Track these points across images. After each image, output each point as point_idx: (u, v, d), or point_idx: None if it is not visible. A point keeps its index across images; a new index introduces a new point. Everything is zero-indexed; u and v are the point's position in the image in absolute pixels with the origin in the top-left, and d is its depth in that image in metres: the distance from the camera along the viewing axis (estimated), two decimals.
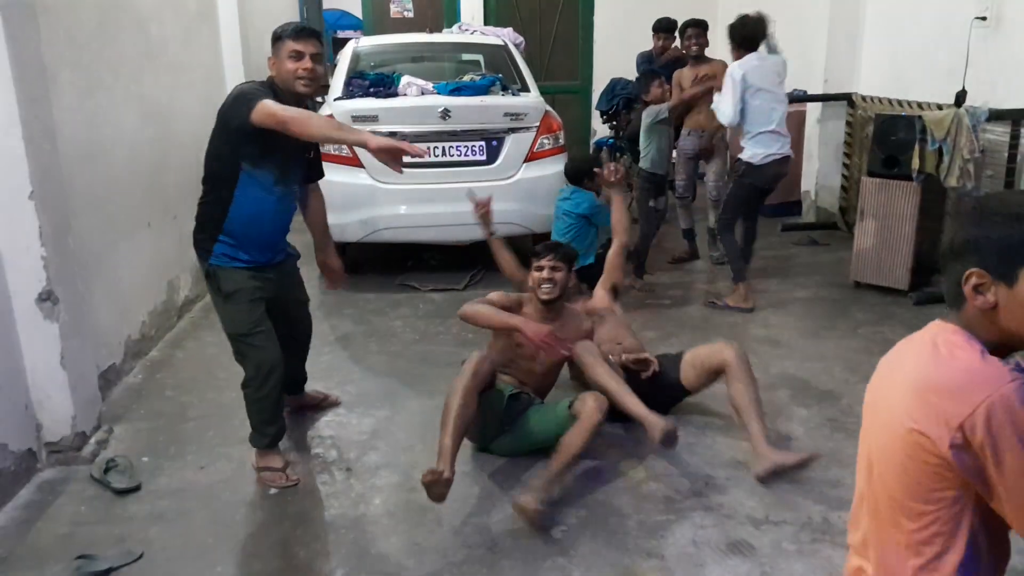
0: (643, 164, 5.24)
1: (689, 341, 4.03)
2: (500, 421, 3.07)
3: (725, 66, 5.18)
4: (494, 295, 3.24)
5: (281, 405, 3.13)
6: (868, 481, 1.38)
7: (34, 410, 3.06)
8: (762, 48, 4.72)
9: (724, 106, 4.68)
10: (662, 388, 3.32)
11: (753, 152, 4.69)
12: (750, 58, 4.65)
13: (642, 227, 5.26)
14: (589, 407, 2.86)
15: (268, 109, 2.62)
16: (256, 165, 2.83)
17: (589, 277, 4.06)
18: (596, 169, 4.37)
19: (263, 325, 2.96)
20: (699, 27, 5.61)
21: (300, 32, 2.87)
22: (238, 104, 2.71)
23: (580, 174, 4.68)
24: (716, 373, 3.21)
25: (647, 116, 5.16)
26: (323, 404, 3.60)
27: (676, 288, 5.29)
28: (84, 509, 2.86)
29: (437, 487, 2.61)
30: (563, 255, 3.21)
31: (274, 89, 2.85)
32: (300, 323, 3.37)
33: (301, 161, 3.07)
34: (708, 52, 5.70)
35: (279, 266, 3.11)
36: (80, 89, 3.57)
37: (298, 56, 2.83)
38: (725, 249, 4.97)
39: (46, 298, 2.97)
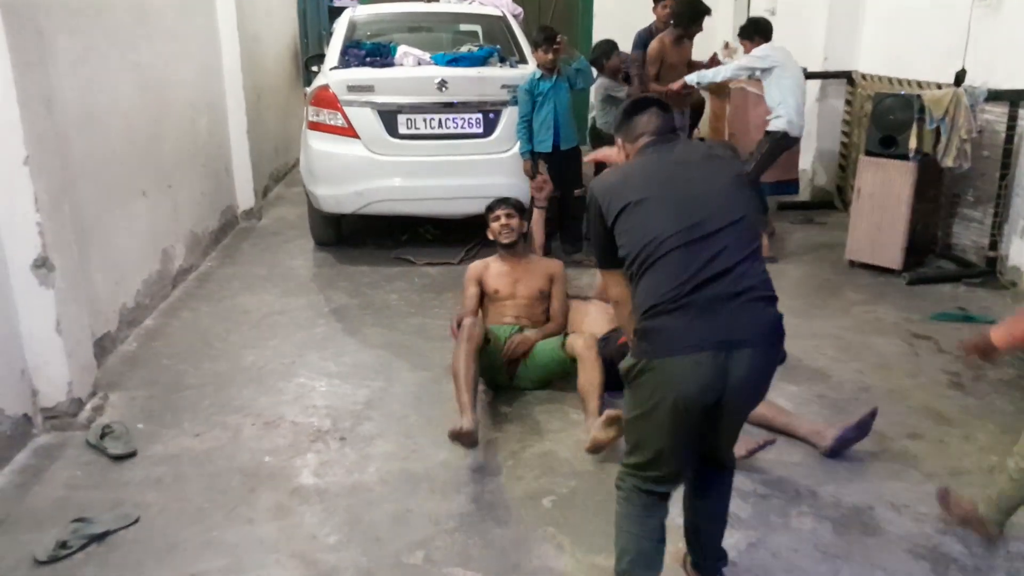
0: (603, 128, 5.71)
1: None
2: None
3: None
4: (463, 309, 3.55)
5: None
6: None
7: (30, 376, 3.07)
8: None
9: (724, 70, 5.36)
10: None
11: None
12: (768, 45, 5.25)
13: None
14: (580, 347, 3.25)
15: None
16: None
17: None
18: None
19: None
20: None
21: None
22: None
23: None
24: None
25: (604, 88, 5.73)
26: None
27: None
28: (80, 474, 2.89)
29: (464, 438, 2.87)
30: (514, 205, 3.68)
31: None
32: None
33: None
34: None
35: None
36: (75, 56, 3.54)
37: None
38: None
39: (41, 264, 2.98)
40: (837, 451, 2.97)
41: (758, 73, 5.26)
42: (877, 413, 3.03)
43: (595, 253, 2.21)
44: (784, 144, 5.26)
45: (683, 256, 1.92)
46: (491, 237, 3.67)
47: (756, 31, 5.33)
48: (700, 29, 5.87)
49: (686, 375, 1.90)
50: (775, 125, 5.19)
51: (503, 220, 3.58)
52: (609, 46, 5.92)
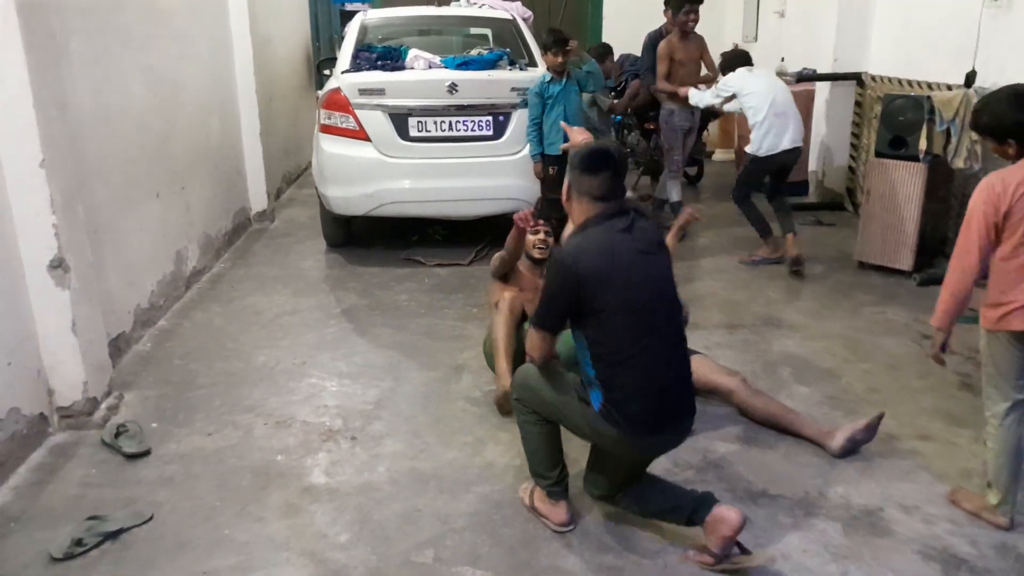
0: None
1: (694, 316, 4.05)
2: None
3: (702, 39, 6.01)
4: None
5: None
6: None
7: (46, 375, 3.11)
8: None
9: (706, 96, 5.47)
10: None
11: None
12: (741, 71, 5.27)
13: None
14: None
15: None
16: None
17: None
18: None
19: None
20: (698, 3, 5.83)
21: None
22: None
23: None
24: (716, 393, 3.34)
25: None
26: None
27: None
28: (95, 472, 2.92)
29: (505, 401, 3.16)
30: (555, 228, 3.69)
31: None
32: None
33: None
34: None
35: None
36: (87, 58, 3.58)
37: None
38: (746, 214, 5.36)
39: (57, 265, 3.02)
40: (846, 452, 2.98)
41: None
42: (883, 416, 3.07)
43: (544, 315, 2.41)
44: (762, 166, 5.22)
45: (655, 360, 2.33)
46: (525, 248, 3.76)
47: (725, 66, 5.38)
48: (691, 19, 5.80)
49: (648, 444, 2.43)
50: (748, 148, 5.27)
51: (542, 236, 3.64)
52: (604, 50, 5.99)
